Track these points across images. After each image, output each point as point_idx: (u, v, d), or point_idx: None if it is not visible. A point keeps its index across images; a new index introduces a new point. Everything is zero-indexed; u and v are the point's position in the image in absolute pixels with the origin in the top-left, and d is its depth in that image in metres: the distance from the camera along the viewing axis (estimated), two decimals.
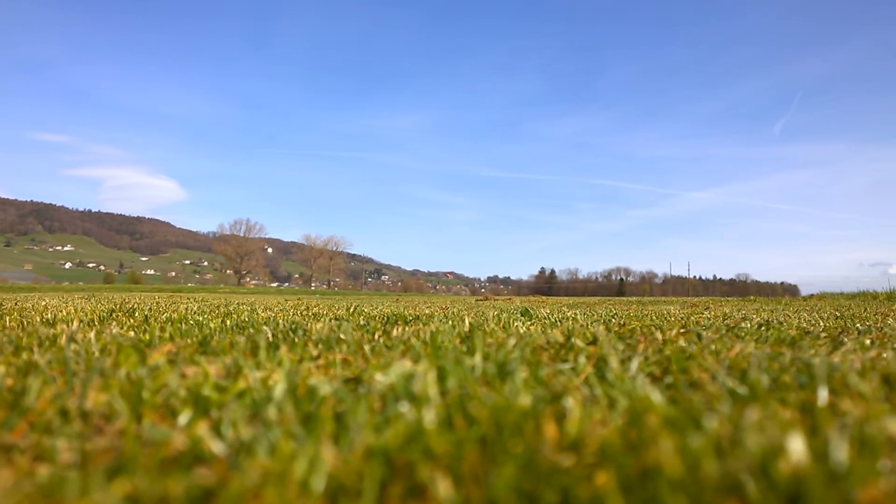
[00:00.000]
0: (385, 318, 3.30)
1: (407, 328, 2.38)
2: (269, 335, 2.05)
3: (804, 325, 3.06)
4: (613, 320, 3.36)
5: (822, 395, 1.04)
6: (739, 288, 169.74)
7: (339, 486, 0.67)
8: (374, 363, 1.45)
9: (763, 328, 2.63)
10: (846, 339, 2.12)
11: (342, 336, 1.92)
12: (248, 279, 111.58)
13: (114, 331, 2.34)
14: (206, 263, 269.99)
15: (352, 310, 4.74)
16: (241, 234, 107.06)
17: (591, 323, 3.03)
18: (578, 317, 3.75)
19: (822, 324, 3.17)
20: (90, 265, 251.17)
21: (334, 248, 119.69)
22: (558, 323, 3.05)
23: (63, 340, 1.93)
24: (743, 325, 2.83)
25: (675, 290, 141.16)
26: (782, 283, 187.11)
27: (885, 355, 1.65)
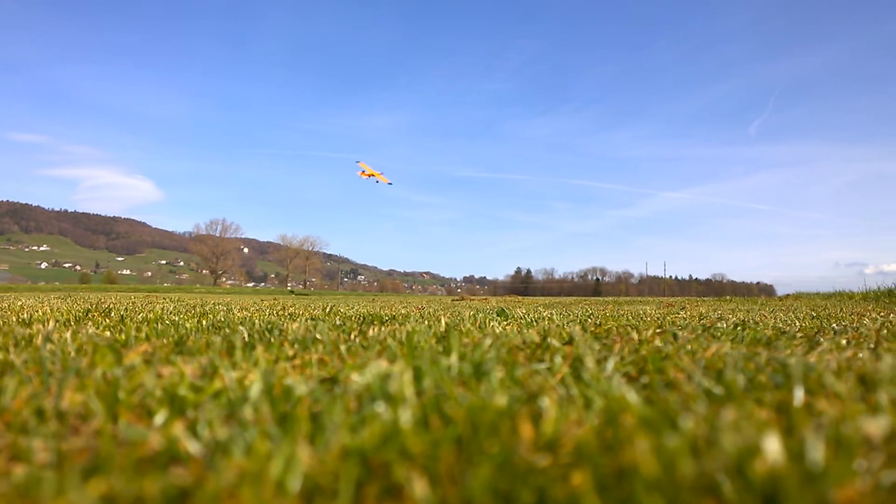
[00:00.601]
0: (361, 318, 3.29)
1: (383, 328, 2.38)
2: (245, 335, 2.04)
3: (780, 324, 3.09)
4: (589, 320, 3.37)
5: (798, 395, 1.05)
6: (715, 288, 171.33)
7: (315, 486, 0.66)
8: (350, 363, 1.44)
9: (739, 328, 2.65)
10: (822, 339, 2.15)
11: (318, 336, 1.91)
12: (224, 279, 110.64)
13: (90, 331, 2.31)
14: (182, 263, 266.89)
15: (328, 310, 4.72)
16: (217, 234, 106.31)
17: (567, 323, 3.05)
18: (554, 317, 3.77)
19: (798, 324, 3.21)
20: (66, 265, 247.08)
21: (310, 248, 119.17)
22: (534, 323, 3.05)
23: (39, 340, 1.90)
24: (719, 325, 2.85)
25: (650, 290, 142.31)
26: (758, 282, 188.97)
27: (860, 355, 1.67)
